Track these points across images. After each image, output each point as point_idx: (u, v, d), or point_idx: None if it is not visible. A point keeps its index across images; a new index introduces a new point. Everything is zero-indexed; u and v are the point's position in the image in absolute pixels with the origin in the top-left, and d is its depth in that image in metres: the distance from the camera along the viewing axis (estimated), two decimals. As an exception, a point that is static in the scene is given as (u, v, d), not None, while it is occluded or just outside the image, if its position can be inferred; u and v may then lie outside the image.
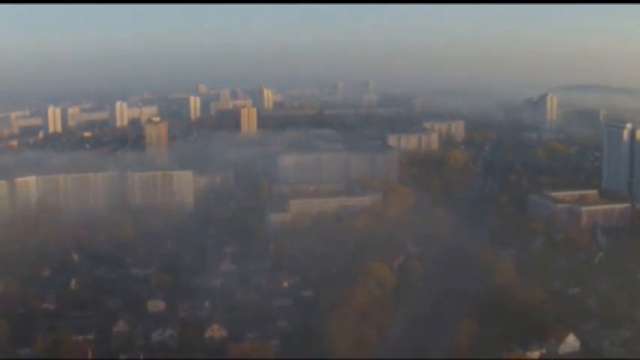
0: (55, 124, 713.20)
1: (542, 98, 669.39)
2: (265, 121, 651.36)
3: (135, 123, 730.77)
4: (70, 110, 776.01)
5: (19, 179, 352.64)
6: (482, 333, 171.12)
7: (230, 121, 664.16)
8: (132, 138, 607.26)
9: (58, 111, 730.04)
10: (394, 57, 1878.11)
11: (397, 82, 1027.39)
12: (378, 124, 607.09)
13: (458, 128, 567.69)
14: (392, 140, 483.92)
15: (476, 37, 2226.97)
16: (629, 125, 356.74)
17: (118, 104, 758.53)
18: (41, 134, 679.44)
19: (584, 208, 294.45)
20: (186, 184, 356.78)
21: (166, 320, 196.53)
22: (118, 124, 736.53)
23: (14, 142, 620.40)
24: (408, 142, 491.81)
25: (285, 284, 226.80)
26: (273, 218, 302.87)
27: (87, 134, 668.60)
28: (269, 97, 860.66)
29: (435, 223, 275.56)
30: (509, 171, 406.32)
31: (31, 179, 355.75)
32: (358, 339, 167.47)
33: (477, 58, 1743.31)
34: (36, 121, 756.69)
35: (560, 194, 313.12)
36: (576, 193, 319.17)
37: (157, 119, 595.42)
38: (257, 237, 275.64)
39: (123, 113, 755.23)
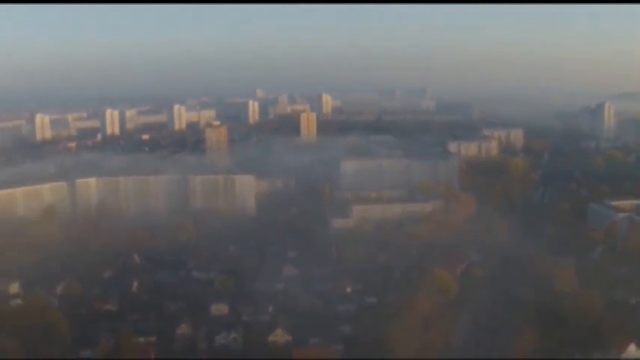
0: (112, 126, 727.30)
1: (600, 106, 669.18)
2: (324, 126, 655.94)
3: (193, 126, 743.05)
4: (128, 113, 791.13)
5: (80, 180, 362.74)
6: (543, 341, 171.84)
7: (289, 125, 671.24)
8: (190, 141, 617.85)
9: (115, 113, 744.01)
10: (451, 64, 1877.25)
11: (454, 89, 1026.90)
12: (437, 131, 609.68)
13: (517, 136, 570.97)
14: (452, 147, 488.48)
15: (531, 45, 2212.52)
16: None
17: (176, 107, 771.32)
18: (99, 136, 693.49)
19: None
20: (247, 188, 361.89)
21: (229, 324, 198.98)
22: (176, 127, 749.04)
23: (72, 144, 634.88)
24: (468, 149, 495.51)
25: (349, 290, 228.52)
26: (336, 223, 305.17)
27: (145, 137, 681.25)
28: (328, 102, 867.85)
29: (495, 231, 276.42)
30: (569, 179, 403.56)
31: (92, 181, 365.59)
32: (421, 346, 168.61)
33: (532, 65, 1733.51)
34: (93, 123, 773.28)
35: (619, 203, 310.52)
36: (636, 202, 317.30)
37: (217, 123, 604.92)
38: (319, 242, 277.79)
39: (181, 116, 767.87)
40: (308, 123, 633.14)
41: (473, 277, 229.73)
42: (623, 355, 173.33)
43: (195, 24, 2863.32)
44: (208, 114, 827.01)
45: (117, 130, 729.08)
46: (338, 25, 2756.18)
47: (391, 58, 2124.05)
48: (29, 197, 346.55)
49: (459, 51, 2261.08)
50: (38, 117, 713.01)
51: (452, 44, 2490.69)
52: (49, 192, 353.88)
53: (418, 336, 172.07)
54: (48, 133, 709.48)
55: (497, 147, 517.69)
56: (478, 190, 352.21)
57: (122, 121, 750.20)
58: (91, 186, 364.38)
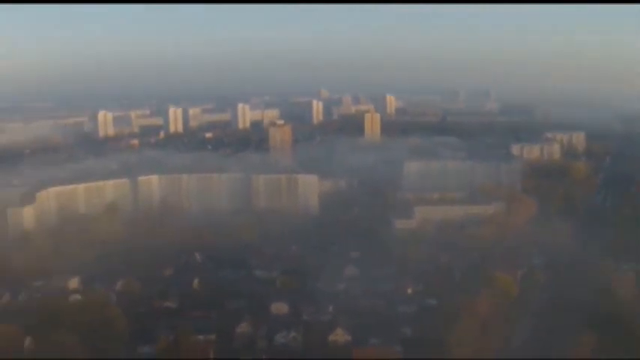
0: (176, 124, 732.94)
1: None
2: (388, 127, 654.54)
3: (257, 125, 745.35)
4: (191, 111, 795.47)
5: (142, 178, 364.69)
6: (602, 346, 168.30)
7: (353, 126, 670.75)
8: (254, 140, 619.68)
9: (179, 111, 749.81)
10: (515, 66, 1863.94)
11: (518, 91, 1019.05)
12: (500, 133, 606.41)
13: (579, 139, 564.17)
14: (515, 149, 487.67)
15: (595, 47, 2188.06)
16: None
17: (240, 106, 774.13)
18: (162, 134, 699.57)
19: None
20: (311, 188, 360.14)
21: (290, 323, 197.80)
22: (240, 125, 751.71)
23: (135, 141, 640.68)
24: (531, 151, 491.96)
25: (410, 291, 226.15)
26: (398, 224, 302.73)
27: (208, 135, 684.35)
28: (391, 102, 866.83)
29: (557, 234, 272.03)
30: (631, 183, 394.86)
31: (154, 178, 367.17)
32: (480, 349, 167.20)
33: (595, 68, 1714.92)
34: (156, 120, 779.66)
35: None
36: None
37: (281, 122, 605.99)
38: (381, 242, 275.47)
39: (245, 115, 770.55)
40: (372, 123, 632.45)
41: (533, 280, 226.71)
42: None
43: (262, 23, 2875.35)
44: (272, 113, 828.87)
45: (180, 128, 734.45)
46: (402, 26, 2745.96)
47: (455, 59, 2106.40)
48: (91, 194, 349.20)
49: (523, 52, 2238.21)
50: (101, 114, 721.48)
51: (515, 46, 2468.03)
52: (111, 189, 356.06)
53: (477, 338, 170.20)
54: (110, 130, 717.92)
55: (560, 150, 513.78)
56: (540, 193, 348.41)
57: (185, 119, 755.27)
58: (153, 183, 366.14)
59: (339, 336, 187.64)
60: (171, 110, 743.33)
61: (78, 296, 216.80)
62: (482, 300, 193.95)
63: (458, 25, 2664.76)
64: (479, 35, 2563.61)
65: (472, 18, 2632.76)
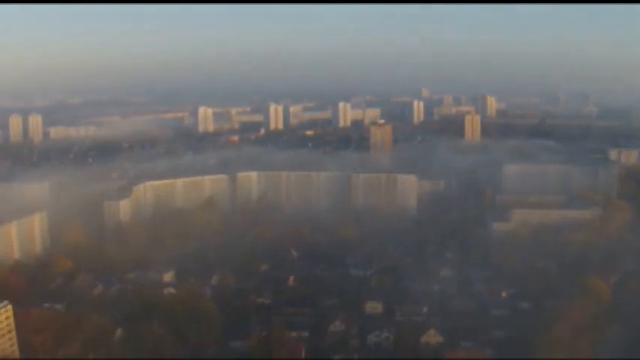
0: (276, 121, 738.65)
1: None
2: (488, 129, 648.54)
3: (358, 124, 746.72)
4: (292, 108, 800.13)
5: (241, 174, 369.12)
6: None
7: (453, 127, 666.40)
8: (355, 139, 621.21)
9: (280, 108, 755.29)
10: (614, 70, 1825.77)
11: (617, 95, 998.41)
12: (598, 137, 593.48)
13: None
14: (613, 154, 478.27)
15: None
16: None
17: (341, 105, 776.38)
18: (262, 131, 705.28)
19: None
20: (410, 188, 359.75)
21: (383, 322, 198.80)
22: (341, 124, 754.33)
23: (235, 138, 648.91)
24: (629, 156, 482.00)
25: (504, 294, 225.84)
26: (496, 227, 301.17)
27: (309, 133, 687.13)
28: (492, 104, 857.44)
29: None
30: None
31: (253, 174, 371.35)
32: (572, 354, 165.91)
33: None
34: (257, 117, 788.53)
35: None
36: None
37: (382, 122, 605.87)
38: (478, 244, 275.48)
39: (346, 114, 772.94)
40: (472, 125, 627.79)
41: (626, 286, 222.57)
42: None
43: (365, 23, 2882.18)
44: (373, 112, 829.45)
45: (280, 125, 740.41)
46: (502, 26, 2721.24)
47: (555, 62, 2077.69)
48: (189, 188, 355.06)
49: (623, 56, 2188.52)
50: (201, 110, 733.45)
51: (616, 48, 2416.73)
52: (209, 184, 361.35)
53: (569, 343, 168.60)
54: (210, 126, 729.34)
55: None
56: (636, 200, 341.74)
57: (286, 116, 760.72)
58: (252, 179, 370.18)
59: (432, 337, 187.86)
60: (272, 107, 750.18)
61: (172, 289, 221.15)
62: (575, 305, 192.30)
63: (560, 25, 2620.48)
64: (576, 37, 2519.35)
65: (576, 18, 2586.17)
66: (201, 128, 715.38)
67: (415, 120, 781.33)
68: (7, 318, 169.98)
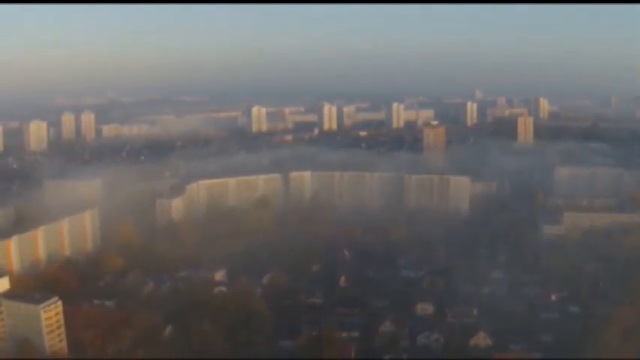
0: (330, 121, 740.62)
1: None
2: (540, 131, 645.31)
3: (411, 125, 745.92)
4: (345, 109, 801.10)
5: (294, 173, 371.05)
6: None
7: (506, 129, 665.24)
8: (408, 140, 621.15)
9: (333, 109, 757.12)
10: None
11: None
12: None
13: None
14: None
15: None
16: None
17: (394, 105, 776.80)
18: (316, 131, 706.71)
19: None
20: (462, 190, 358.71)
21: (433, 324, 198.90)
22: (394, 125, 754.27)
23: (288, 137, 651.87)
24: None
25: (554, 297, 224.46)
26: (547, 230, 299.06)
27: (362, 133, 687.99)
28: (544, 106, 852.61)
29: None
30: None
31: (306, 174, 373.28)
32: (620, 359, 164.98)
33: None
34: (310, 117, 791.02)
35: None
36: None
37: (435, 123, 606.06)
38: (529, 247, 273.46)
39: (399, 115, 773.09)
40: (525, 127, 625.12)
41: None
42: None
43: (417, 25, 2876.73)
44: (426, 114, 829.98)
45: (334, 126, 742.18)
46: (556, 29, 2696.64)
47: (607, 65, 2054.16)
48: (242, 187, 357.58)
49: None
50: (255, 109, 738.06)
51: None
52: (262, 183, 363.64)
53: (618, 348, 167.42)
54: (264, 126, 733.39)
55: None
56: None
57: (340, 116, 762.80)
58: (305, 179, 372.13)
59: (481, 340, 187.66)
60: (326, 107, 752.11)
61: (223, 288, 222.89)
62: (625, 310, 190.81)
63: (619, 27, 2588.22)
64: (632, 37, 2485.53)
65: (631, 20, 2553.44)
66: (254, 128, 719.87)
67: (468, 121, 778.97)
68: (56, 314, 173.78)
